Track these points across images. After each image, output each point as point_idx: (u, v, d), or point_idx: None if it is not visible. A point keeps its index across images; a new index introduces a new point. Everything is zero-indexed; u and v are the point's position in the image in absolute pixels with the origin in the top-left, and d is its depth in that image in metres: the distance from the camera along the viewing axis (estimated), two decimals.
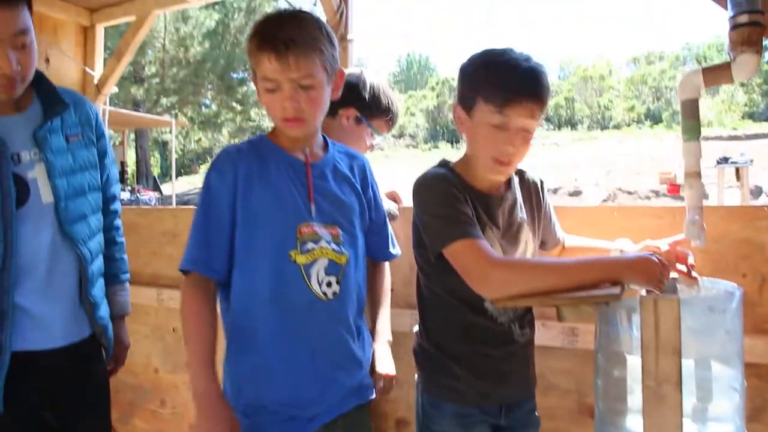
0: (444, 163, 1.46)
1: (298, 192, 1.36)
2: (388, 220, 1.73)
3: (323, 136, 1.50)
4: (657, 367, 1.09)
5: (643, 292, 1.24)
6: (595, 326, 1.37)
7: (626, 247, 1.56)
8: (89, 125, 1.57)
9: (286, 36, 1.26)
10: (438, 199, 1.34)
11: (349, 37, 2.14)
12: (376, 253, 1.59)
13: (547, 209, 1.57)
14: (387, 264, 1.72)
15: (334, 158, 1.47)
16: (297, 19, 1.32)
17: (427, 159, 25.36)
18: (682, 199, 1.56)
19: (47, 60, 2.84)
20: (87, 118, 1.56)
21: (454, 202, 1.32)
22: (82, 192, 1.52)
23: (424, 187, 1.38)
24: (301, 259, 1.33)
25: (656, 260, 1.24)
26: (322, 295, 1.34)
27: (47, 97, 1.47)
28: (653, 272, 1.22)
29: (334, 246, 1.37)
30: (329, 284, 1.35)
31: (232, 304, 1.36)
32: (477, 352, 1.41)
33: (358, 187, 1.49)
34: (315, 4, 16.46)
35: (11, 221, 1.36)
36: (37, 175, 1.42)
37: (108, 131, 1.59)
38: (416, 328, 1.53)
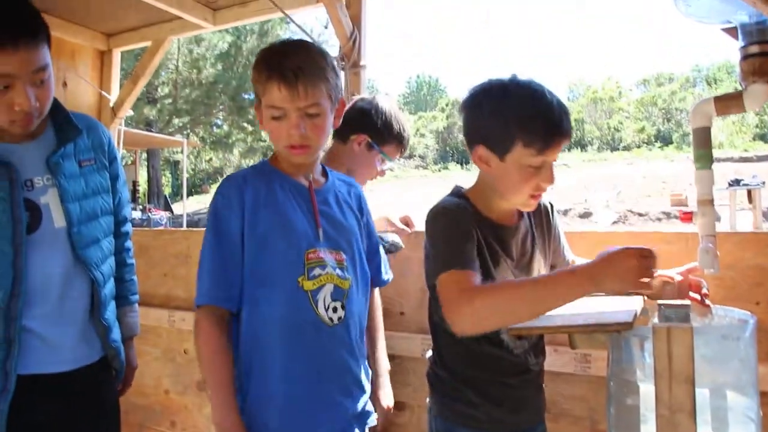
0: (459, 192, 1.45)
1: (305, 217, 1.38)
2: (394, 251, 1.75)
3: (321, 164, 1.51)
4: (670, 396, 1.09)
5: (656, 320, 1.24)
6: (608, 353, 1.36)
7: None
8: (102, 150, 1.59)
9: (294, 65, 1.28)
10: (445, 233, 1.33)
11: (361, 63, 2.16)
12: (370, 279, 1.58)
13: (556, 232, 1.57)
14: (377, 290, 1.73)
15: (334, 185, 1.50)
16: (304, 48, 1.34)
17: (436, 180, 25.41)
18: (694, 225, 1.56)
19: (65, 84, 2.89)
20: (100, 143, 1.58)
21: (458, 239, 1.30)
22: (94, 216, 1.53)
23: (435, 219, 1.37)
24: (309, 285, 1.33)
25: (632, 253, 1.14)
26: (328, 320, 1.35)
27: (61, 122, 1.49)
28: (627, 271, 1.13)
29: (338, 271, 1.38)
30: (335, 309, 1.36)
31: (242, 331, 1.35)
32: (493, 381, 1.41)
33: (357, 213, 1.52)
34: (326, 27, 16.68)
35: (21, 248, 1.37)
36: (49, 200, 1.43)
37: (121, 151, 1.61)
38: (429, 353, 1.53)
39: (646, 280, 1.14)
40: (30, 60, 1.29)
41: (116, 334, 1.61)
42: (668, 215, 14.80)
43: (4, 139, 1.40)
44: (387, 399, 1.58)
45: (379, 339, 1.65)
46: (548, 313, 1.36)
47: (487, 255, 1.35)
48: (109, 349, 1.57)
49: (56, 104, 1.50)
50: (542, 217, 1.52)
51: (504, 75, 1.36)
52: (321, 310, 1.34)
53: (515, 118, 1.28)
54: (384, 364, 1.62)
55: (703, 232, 1.45)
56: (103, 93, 3.02)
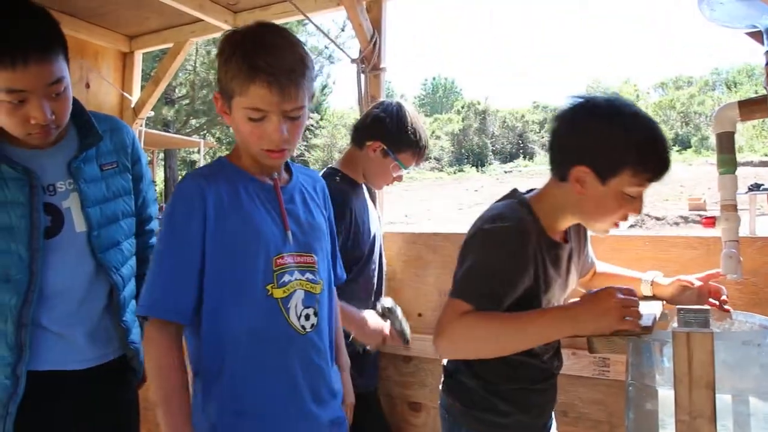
0: (524, 202, 1.36)
1: (272, 219, 1.28)
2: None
3: None
4: (690, 401, 1.09)
5: (675, 325, 1.23)
6: (627, 358, 1.36)
7: (657, 279, 1.55)
8: (124, 152, 1.58)
9: (287, 67, 1.18)
10: (489, 260, 1.26)
11: (381, 65, 2.17)
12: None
13: (586, 240, 1.56)
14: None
15: (299, 180, 1.40)
16: (290, 45, 1.22)
17: (452, 183, 25.36)
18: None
19: (87, 85, 2.93)
20: (123, 145, 1.58)
21: (496, 275, 1.25)
22: (114, 219, 1.53)
23: (489, 237, 1.28)
24: (278, 293, 1.25)
25: (612, 292, 1.17)
26: (300, 328, 1.27)
27: (83, 127, 1.49)
28: (608, 311, 1.16)
29: (309, 275, 1.30)
30: (307, 317, 1.29)
31: (203, 344, 1.25)
32: (523, 388, 1.41)
33: (323, 209, 1.44)
34: (343, 30, 16.72)
35: (38, 253, 1.37)
36: (71, 204, 1.44)
37: None
38: (445, 360, 1.51)
39: (629, 318, 1.17)
40: (43, 74, 1.27)
41: (135, 335, 1.61)
42: (686, 219, 14.64)
43: (28, 145, 1.41)
44: (350, 396, 1.49)
45: (339, 334, 1.53)
46: None
47: (541, 281, 1.33)
48: (128, 350, 1.58)
49: (79, 108, 1.50)
50: (579, 229, 1.49)
51: (599, 93, 1.33)
52: (293, 318, 1.26)
53: (631, 145, 1.23)
54: (346, 361, 1.52)
55: (726, 237, 1.44)
56: (125, 94, 3.06)
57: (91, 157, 1.49)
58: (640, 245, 1.75)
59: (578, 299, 1.25)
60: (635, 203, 1.29)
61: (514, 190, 1.43)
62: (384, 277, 2.08)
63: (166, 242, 1.22)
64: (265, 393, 1.25)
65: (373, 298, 1.96)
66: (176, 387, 1.19)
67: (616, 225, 1.34)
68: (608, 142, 1.24)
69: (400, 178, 1.95)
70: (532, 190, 1.44)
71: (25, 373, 1.40)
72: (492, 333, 1.20)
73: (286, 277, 1.26)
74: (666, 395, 1.21)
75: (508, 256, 1.26)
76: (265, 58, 1.17)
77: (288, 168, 1.40)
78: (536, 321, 1.23)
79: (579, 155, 1.27)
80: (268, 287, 1.24)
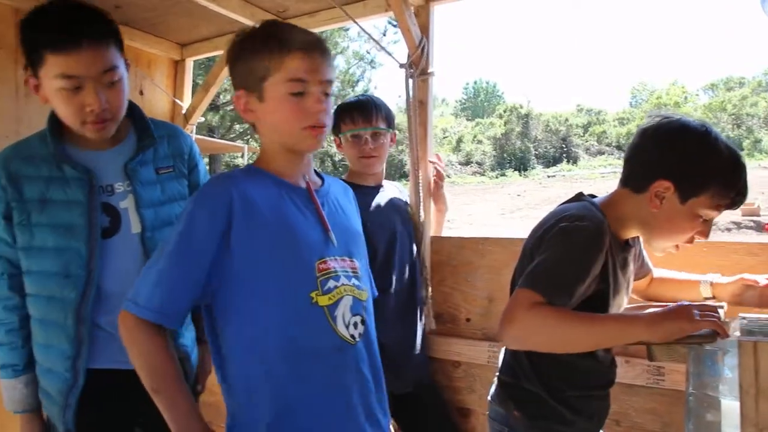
0: (597, 205, 1.36)
1: (310, 223, 1.20)
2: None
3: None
4: (758, 413, 1.05)
5: (737, 333, 1.20)
6: (687, 367, 1.33)
7: (715, 280, 1.53)
8: (181, 158, 1.60)
9: (314, 38, 1.18)
10: (565, 254, 1.25)
11: (430, 70, 2.17)
12: None
13: (641, 243, 1.55)
14: None
15: (330, 186, 1.33)
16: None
17: (494, 188, 25.15)
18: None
19: (141, 92, 3.02)
20: (180, 151, 1.60)
21: (573, 270, 1.24)
22: (168, 222, 1.54)
23: (567, 233, 1.26)
24: (324, 300, 1.16)
25: (691, 306, 1.18)
26: (350, 338, 1.18)
27: (141, 130, 1.53)
28: (682, 318, 1.16)
29: (354, 281, 1.22)
30: (356, 325, 1.20)
31: (230, 361, 1.17)
32: (586, 395, 1.40)
33: (358, 216, 1.39)
34: (384, 34, 16.79)
35: (96, 250, 1.40)
36: (128, 205, 1.47)
37: None
38: (501, 365, 1.49)
39: (706, 319, 1.16)
40: (96, 60, 1.32)
41: (187, 338, 1.62)
42: (738, 225, 14.18)
43: (89, 146, 1.46)
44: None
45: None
46: None
47: (611, 284, 1.33)
48: (179, 352, 1.58)
49: (139, 112, 1.55)
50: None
51: (691, 118, 1.33)
52: (341, 327, 1.17)
53: (720, 168, 1.26)
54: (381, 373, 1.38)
55: None
56: (176, 101, 3.13)
57: (147, 160, 1.52)
58: (697, 251, 1.70)
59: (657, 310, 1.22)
60: (705, 227, 1.32)
61: (581, 194, 1.43)
62: (419, 281, 2.08)
63: (180, 245, 1.13)
64: (316, 412, 1.15)
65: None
66: (173, 374, 1.14)
67: (677, 247, 1.36)
68: (699, 162, 1.26)
69: (371, 148, 1.98)
70: (594, 196, 1.43)
71: (84, 368, 1.43)
72: (565, 326, 1.18)
73: (331, 283, 1.18)
74: (728, 406, 1.17)
75: (584, 254, 1.25)
76: (293, 33, 1.18)
77: (318, 175, 1.34)
78: (609, 320, 1.25)
79: (665, 170, 1.28)
80: (312, 294, 1.15)
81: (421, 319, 2.07)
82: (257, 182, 1.19)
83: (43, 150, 1.42)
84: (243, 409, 1.16)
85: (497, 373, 1.49)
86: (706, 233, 1.33)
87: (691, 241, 1.35)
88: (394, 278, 1.98)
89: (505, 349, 1.48)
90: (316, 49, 1.17)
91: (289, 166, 1.23)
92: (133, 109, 1.53)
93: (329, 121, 1.21)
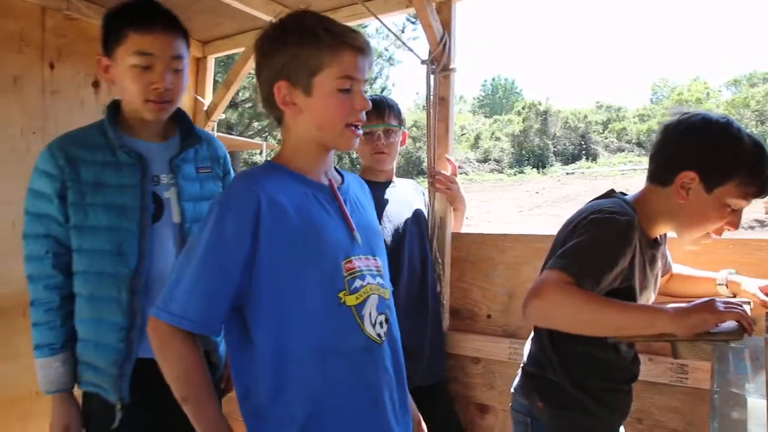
0: (628, 202, 1.39)
1: (335, 222, 1.20)
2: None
3: None
4: None
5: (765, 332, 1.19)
6: (712, 365, 1.32)
7: (731, 278, 1.54)
8: (218, 162, 1.73)
9: (362, 35, 1.19)
10: (597, 242, 1.27)
11: (451, 66, 2.17)
12: None
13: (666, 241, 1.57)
14: None
15: (350, 182, 1.33)
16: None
17: (512, 185, 25.03)
18: None
19: None
20: (216, 156, 1.73)
21: (604, 257, 1.26)
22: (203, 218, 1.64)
23: (599, 223, 1.29)
24: (351, 300, 1.16)
25: (716, 300, 1.18)
26: (376, 337, 1.19)
27: (185, 131, 1.65)
28: (707, 310, 1.16)
29: (379, 280, 1.23)
30: (381, 324, 1.20)
31: (260, 364, 1.15)
32: (610, 389, 1.42)
33: (373, 208, 1.39)
34: (403, 31, 16.76)
35: (147, 233, 1.51)
36: (170, 196, 1.58)
37: None
38: (527, 357, 1.50)
39: (732, 310, 1.16)
40: (168, 45, 1.48)
41: None
42: (762, 223, 13.97)
43: (142, 137, 1.58)
44: (417, 413, 1.42)
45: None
46: None
47: (639, 279, 1.35)
48: (209, 343, 1.63)
49: (184, 115, 1.67)
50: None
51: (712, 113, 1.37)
52: (368, 327, 1.17)
53: (743, 155, 1.29)
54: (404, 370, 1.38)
55: None
56: (198, 97, 3.16)
57: (190, 158, 1.63)
58: (721, 248, 1.69)
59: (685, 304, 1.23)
60: (734, 217, 1.34)
61: (612, 191, 1.46)
62: (431, 278, 2.09)
63: (212, 251, 1.11)
64: (345, 413, 1.15)
65: None
66: (204, 382, 1.14)
67: (708, 236, 1.37)
68: (721, 150, 1.30)
69: (383, 144, 2.01)
70: (625, 194, 1.46)
71: (138, 339, 1.49)
72: (591, 306, 1.19)
73: (358, 282, 1.17)
74: (756, 405, 1.16)
75: (613, 245, 1.27)
76: (342, 28, 1.17)
77: (337, 170, 1.33)
78: (634, 308, 1.27)
79: (688, 161, 1.31)
80: (340, 294, 1.15)
81: (434, 316, 2.07)
82: (281, 182, 1.18)
83: (98, 138, 1.53)
84: (271, 410, 1.14)
85: (522, 365, 1.51)
86: (735, 224, 1.35)
87: (720, 231, 1.37)
88: (403, 274, 1.98)
89: (532, 341, 1.49)
90: (367, 47, 1.18)
91: (312, 163, 1.22)
92: (179, 112, 1.65)
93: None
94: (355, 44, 1.16)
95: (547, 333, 1.43)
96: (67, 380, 1.54)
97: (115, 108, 1.58)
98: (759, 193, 1.31)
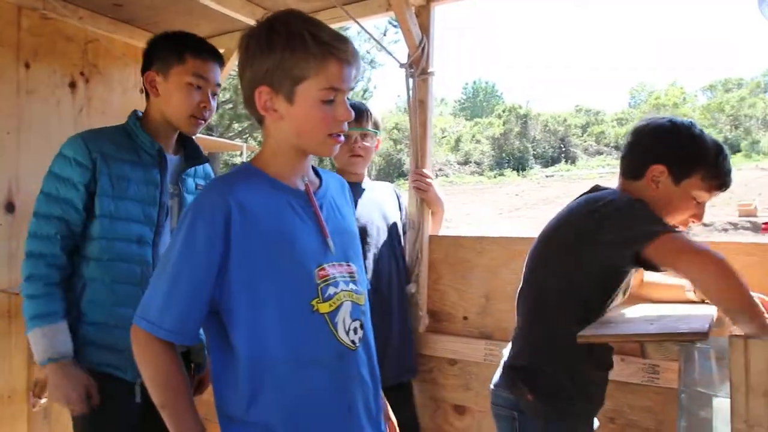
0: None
1: (309, 229, 1.18)
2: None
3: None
4: (747, 410, 1.06)
5: (737, 330, 1.21)
6: (679, 364, 1.35)
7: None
8: (209, 180, 1.88)
9: (349, 42, 1.15)
10: (644, 212, 1.40)
11: (430, 70, 2.19)
12: None
13: None
14: None
15: (328, 184, 1.31)
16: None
17: (492, 187, 25.17)
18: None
19: (141, 90, 3.03)
20: (209, 176, 1.89)
21: (657, 217, 1.39)
22: None
23: (630, 204, 1.42)
24: (325, 308, 1.15)
25: None
26: (350, 344, 1.18)
27: (191, 150, 1.81)
28: None
29: (352, 286, 1.21)
30: (355, 330, 1.19)
31: (236, 367, 1.15)
32: (600, 379, 1.51)
33: (352, 209, 1.37)
34: (384, 34, 16.79)
35: (161, 230, 1.66)
36: (173, 205, 1.72)
37: None
38: (512, 350, 1.53)
39: None
40: (215, 73, 1.70)
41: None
42: (735, 226, 14.21)
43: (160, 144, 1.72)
44: (391, 414, 1.43)
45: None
46: (620, 321, 1.37)
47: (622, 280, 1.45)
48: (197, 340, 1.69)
49: (189, 137, 1.80)
50: None
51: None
52: (341, 333, 1.17)
53: (705, 151, 1.45)
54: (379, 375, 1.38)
55: None
56: None
57: (191, 174, 1.80)
58: None
59: None
60: (699, 210, 1.50)
61: (598, 186, 1.58)
62: (398, 279, 2.11)
63: (184, 260, 1.11)
64: (320, 418, 1.15)
65: None
66: (181, 389, 1.14)
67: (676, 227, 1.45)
68: (686, 145, 1.46)
69: (359, 147, 2.03)
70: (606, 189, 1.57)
71: None
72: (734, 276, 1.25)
73: (331, 290, 1.16)
74: (721, 403, 1.19)
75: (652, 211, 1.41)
76: (330, 35, 1.12)
77: (316, 172, 1.31)
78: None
79: (657, 156, 1.47)
80: (313, 302, 1.14)
81: (399, 318, 2.09)
82: (255, 187, 1.16)
83: (123, 139, 1.67)
84: (246, 414, 1.14)
85: (504, 361, 1.54)
86: (699, 216, 1.52)
87: (686, 223, 1.51)
88: (368, 274, 1.99)
89: (519, 337, 1.53)
90: (354, 57, 1.14)
91: (290, 168, 1.20)
92: (184, 135, 1.80)
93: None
94: (341, 55, 1.12)
95: (545, 324, 1.47)
96: (71, 348, 1.56)
97: (136, 118, 1.72)
98: (720, 187, 1.47)
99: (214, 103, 1.72)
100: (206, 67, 1.67)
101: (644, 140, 1.51)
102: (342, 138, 1.19)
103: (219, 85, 1.73)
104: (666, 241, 1.30)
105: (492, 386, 1.55)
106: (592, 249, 1.39)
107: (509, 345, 1.57)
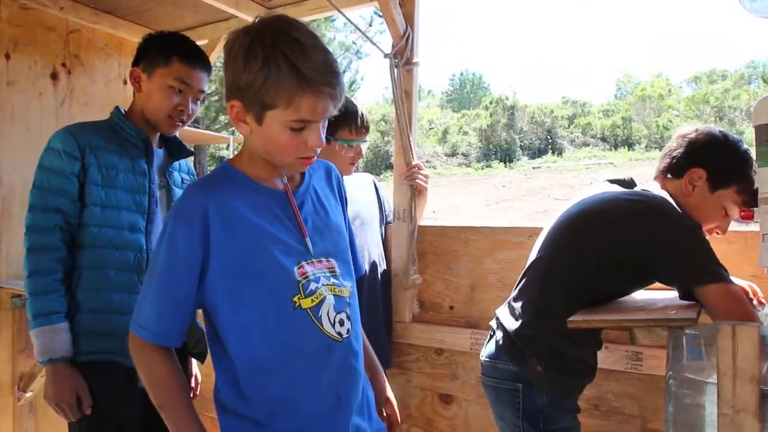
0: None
1: (288, 229, 1.20)
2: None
3: None
4: (734, 395, 1.07)
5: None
6: (667, 351, 1.36)
7: None
8: (192, 176, 1.93)
9: (334, 70, 1.10)
10: (699, 238, 1.41)
11: (414, 60, 2.18)
12: None
13: None
14: None
15: (311, 178, 1.31)
16: (322, 45, 1.13)
17: (479, 179, 25.24)
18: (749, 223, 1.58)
19: (125, 81, 3.00)
20: (191, 172, 1.93)
21: (710, 248, 1.39)
22: None
23: (678, 222, 1.42)
24: (307, 303, 1.17)
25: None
26: (337, 335, 1.20)
27: (175, 145, 1.84)
28: None
29: (333, 280, 1.23)
30: (342, 322, 1.21)
31: (227, 363, 1.19)
32: (595, 356, 1.55)
33: (339, 199, 1.37)
34: (371, 24, 16.72)
35: (153, 217, 1.69)
36: (161, 195, 1.76)
37: None
38: (516, 324, 1.51)
39: None
40: (200, 80, 1.73)
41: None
42: None
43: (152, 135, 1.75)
44: (393, 396, 1.46)
45: (364, 334, 1.40)
46: (610, 306, 1.38)
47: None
48: (197, 330, 1.74)
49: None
50: None
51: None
52: (327, 326, 1.18)
53: (749, 167, 1.49)
54: (377, 359, 1.47)
55: (765, 230, 1.42)
56: None
57: (176, 168, 1.85)
58: None
59: None
60: (725, 222, 1.56)
61: (632, 180, 1.63)
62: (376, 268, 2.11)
63: (167, 266, 1.14)
64: (308, 409, 1.17)
65: None
66: (177, 389, 1.18)
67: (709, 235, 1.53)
68: (732, 157, 1.51)
69: (358, 155, 2.02)
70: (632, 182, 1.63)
71: None
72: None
73: (312, 285, 1.18)
74: (707, 388, 1.20)
75: (701, 231, 1.45)
76: (312, 66, 1.07)
77: None
78: None
79: (702, 160, 1.51)
80: (295, 299, 1.16)
81: (376, 308, 2.09)
82: (234, 189, 1.18)
83: (108, 132, 1.69)
84: (237, 406, 1.19)
85: (505, 332, 1.53)
86: (724, 229, 1.57)
87: (710, 233, 1.54)
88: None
89: (525, 305, 1.52)
90: (333, 91, 1.10)
91: (268, 171, 1.21)
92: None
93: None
94: (317, 90, 1.08)
95: (552, 300, 1.47)
96: (71, 348, 1.57)
97: (120, 112, 1.75)
98: (751, 204, 1.47)
99: (195, 107, 1.74)
100: (191, 73, 1.69)
101: (693, 144, 1.55)
102: (313, 159, 1.19)
103: (203, 91, 1.75)
104: (724, 290, 1.32)
105: (486, 358, 1.56)
106: (642, 257, 1.41)
107: (505, 317, 1.56)
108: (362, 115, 2.02)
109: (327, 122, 1.17)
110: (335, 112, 1.14)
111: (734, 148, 1.52)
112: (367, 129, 2.04)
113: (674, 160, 1.56)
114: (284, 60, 1.06)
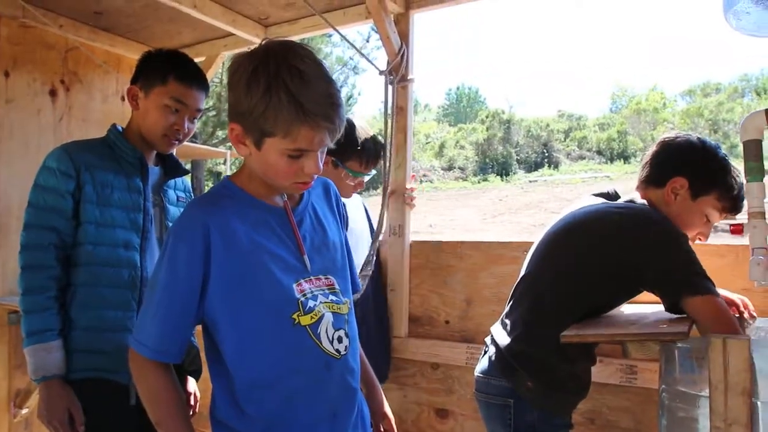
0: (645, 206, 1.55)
1: (287, 247, 1.21)
2: None
3: None
4: (726, 408, 1.08)
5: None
6: (660, 364, 1.37)
7: None
8: (189, 194, 1.92)
9: (335, 102, 1.11)
10: (687, 251, 1.42)
11: (409, 77, 2.21)
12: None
13: None
14: None
15: (310, 196, 1.32)
16: (326, 72, 1.13)
17: (476, 192, 25.28)
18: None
19: (123, 98, 3.02)
20: (188, 190, 1.92)
21: (698, 261, 1.41)
22: None
23: (668, 233, 1.44)
24: (306, 320, 1.17)
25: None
26: (335, 353, 1.20)
27: (171, 164, 1.83)
28: None
29: (332, 297, 1.23)
30: (340, 339, 1.22)
31: (225, 379, 1.19)
32: (589, 371, 1.55)
33: (338, 216, 1.38)
34: (367, 41, 16.82)
35: (148, 235, 1.68)
36: (156, 213, 1.75)
37: None
38: (508, 339, 1.52)
39: None
40: (197, 100, 1.71)
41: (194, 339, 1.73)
42: (715, 228, 14.38)
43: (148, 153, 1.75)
44: (389, 410, 1.46)
45: (361, 349, 1.40)
46: (602, 321, 1.39)
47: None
48: (192, 348, 1.73)
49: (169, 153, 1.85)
50: None
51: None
52: (326, 343, 1.19)
53: (726, 173, 1.53)
54: (374, 374, 1.47)
55: (754, 244, 1.44)
56: None
57: (172, 186, 1.83)
58: None
59: None
60: (706, 228, 1.59)
61: (616, 193, 1.67)
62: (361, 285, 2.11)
63: (168, 283, 1.15)
64: (304, 425, 1.18)
65: None
66: (174, 406, 1.18)
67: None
68: (710, 164, 1.54)
69: (360, 185, 2.02)
70: (618, 196, 1.67)
71: None
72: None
73: (311, 302, 1.19)
74: (700, 401, 1.21)
75: (689, 244, 1.45)
76: (312, 97, 1.08)
77: None
78: None
79: (683, 168, 1.54)
80: (294, 316, 1.16)
81: (373, 324, 2.10)
82: (234, 206, 1.19)
83: (104, 150, 1.69)
84: (233, 422, 1.19)
85: (497, 348, 1.53)
86: (706, 234, 1.60)
87: (693, 239, 1.56)
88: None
89: (519, 323, 1.52)
90: (335, 119, 1.11)
91: (267, 188, 1.22)
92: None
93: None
94: (316, 122, 1.08)
95: (544, 315, 1.48)
96: (64, 366, 1.57)
97: (117, 130, 1.74)
98: (732, 210, 1.55)
99: (192, 126, 1.74)
100: (187, 93, 1.68)
101: (673, 152, 1.58)
102: (310, 184, 1.20)
103: (199, 110, 1.75)
104: (710, 303, 1.34)
105: (479, 374, 1.57)
106: (629, 268, 1.43)
107: (498, 333, 1.57)
108: (377, 152, 2.01)
109: (326, 149, 1.18)
110: (332, 145, 1.15)
111: (712, 154, 1.55)
112: (377, 163, 2.04)
113: (654, 169, 1.60)
114: (285, 90, 1.07)
